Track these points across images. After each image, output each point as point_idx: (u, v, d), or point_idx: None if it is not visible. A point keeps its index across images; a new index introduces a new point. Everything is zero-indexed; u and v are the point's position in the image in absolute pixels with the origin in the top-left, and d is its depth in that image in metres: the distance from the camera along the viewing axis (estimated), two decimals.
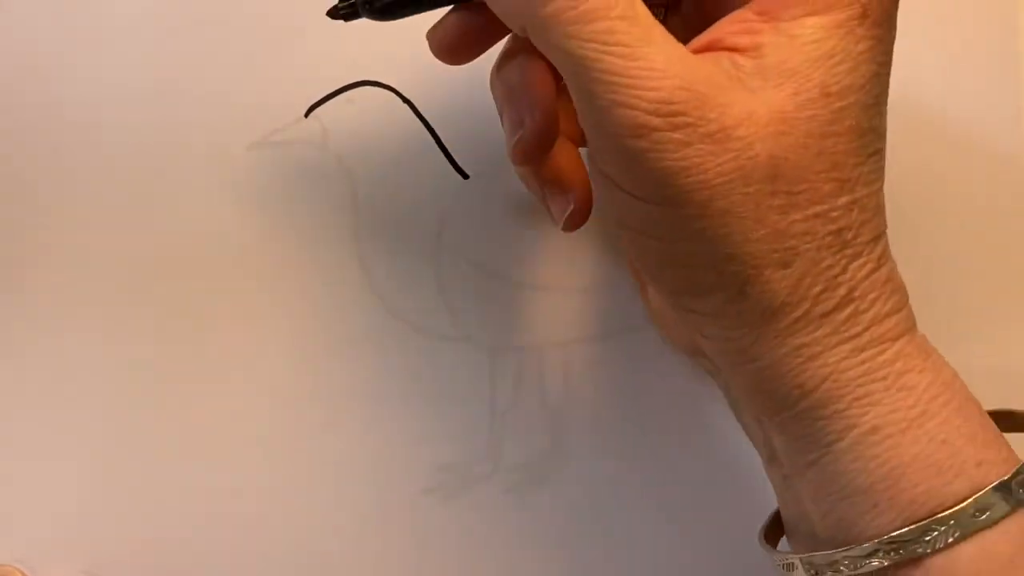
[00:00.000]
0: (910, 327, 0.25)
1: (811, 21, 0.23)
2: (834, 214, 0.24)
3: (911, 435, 0.24)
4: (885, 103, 0.25)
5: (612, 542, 0.34)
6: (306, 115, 0.33)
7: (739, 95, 0.23)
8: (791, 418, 0.25)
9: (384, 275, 0.34)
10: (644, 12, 0.23)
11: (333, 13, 0.28)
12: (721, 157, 0.23)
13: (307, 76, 0.33)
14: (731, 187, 0.23)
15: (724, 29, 0.24)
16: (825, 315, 0.24)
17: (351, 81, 0.32)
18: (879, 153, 0.24)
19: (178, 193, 0.33)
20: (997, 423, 0.26)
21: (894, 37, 0.24)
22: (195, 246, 0.33)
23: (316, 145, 0.34)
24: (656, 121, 0.22)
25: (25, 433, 0.33)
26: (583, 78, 0.23)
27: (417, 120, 0.33)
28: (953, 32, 0.35)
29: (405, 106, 0.33)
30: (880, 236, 0.25)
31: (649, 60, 0.22)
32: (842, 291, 0.24)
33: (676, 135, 0.22)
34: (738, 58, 0.23)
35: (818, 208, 0.24)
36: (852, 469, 0.24)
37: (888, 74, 0.24)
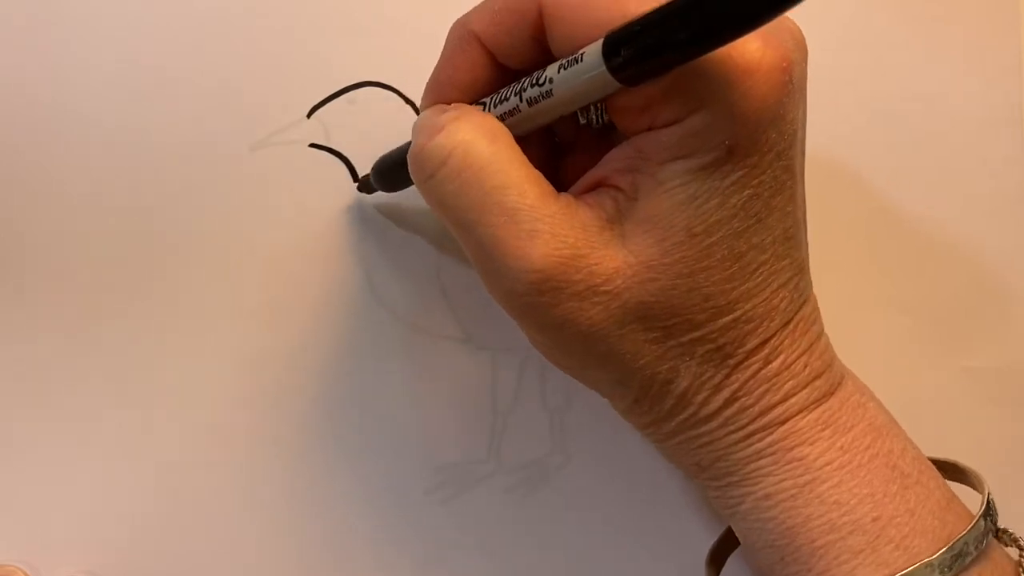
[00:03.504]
0: (808, 404, 0.26)
1: (677, 166, 0.23)
2: (712, 335, 0.25)
3: (802, 499, 0.25)
4: (778, 212, 0.24)
5: (613, 542, 0.34)
6: (308, 116, 0.33)
7: (608, 250, 0.24)
8: (701, 483, 0.28)
9: (386, 275, 0.34)
10: (517, 171, 0.24)
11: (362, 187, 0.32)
12: (590, 311, 0.24)
13: (309, 76, 0.33)
14: (605, 332, 0.24)
15: (610, 165, 0.25)
16: (712, 414, 0.26)
17: (353, 82, 0.33)
18: (764, 265, 0.25)
19: (180, 193, 0.33)
20: (942, 472, 0.27)
21: (788, 144, 0.24)
22: (197, 246, 0.33)
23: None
24: (522, 288, 0.24)
25: (27, 433, 0.33)
26: (463, 241, 0.25)
27: None
28: (953, 32, 0.36)
29: (407, 106, 0.33)
30: (771, 336, 0.25)
31: (518, 227, 0.23)
32: (726, 394, 0.26)
33: (544, 299, 0.24)
34: (619, 197, 0.25)
35: (695, 334, 0.25)
36: (755, 528, 0.26)
37: (779, 182, 0.24)
